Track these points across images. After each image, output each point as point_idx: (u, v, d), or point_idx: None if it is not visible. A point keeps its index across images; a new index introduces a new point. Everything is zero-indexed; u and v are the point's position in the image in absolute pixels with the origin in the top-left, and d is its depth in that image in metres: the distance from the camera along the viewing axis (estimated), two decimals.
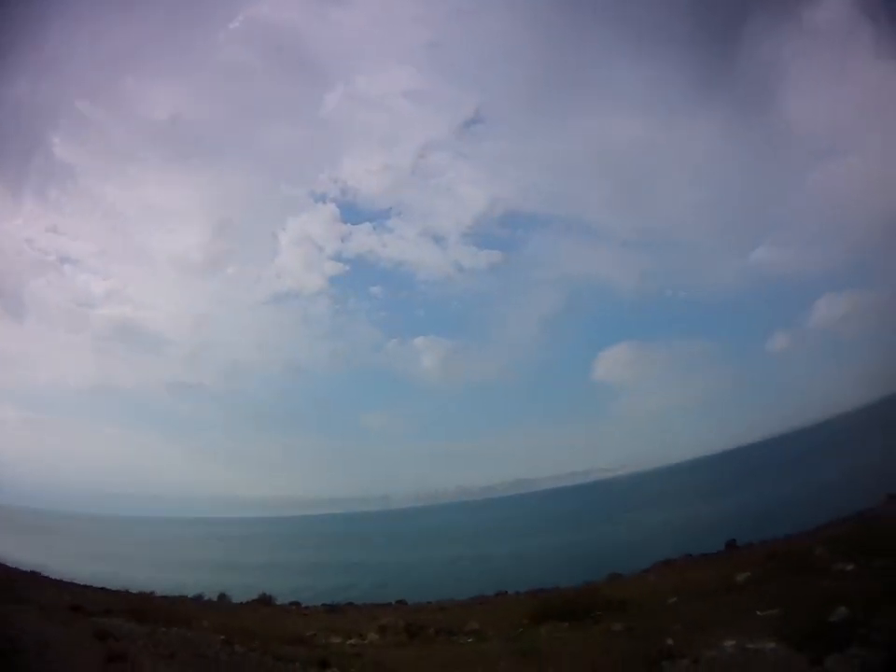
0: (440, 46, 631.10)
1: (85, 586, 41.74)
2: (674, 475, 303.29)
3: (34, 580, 43.04)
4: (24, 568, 47.91)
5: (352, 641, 31.59)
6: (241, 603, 48.23)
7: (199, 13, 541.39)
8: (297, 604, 51.63)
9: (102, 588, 41.77)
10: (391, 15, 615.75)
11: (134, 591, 39.79)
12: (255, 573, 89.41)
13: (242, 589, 53.38)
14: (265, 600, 49.45)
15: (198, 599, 45.84)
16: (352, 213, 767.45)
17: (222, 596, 49.05)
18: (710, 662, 17.12)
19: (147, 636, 21.58)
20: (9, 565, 48.87)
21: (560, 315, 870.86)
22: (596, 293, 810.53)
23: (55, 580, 44.03)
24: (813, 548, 29.53)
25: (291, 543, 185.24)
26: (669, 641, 19.77)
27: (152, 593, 41.68)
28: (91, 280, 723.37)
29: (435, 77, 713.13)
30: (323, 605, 50.96)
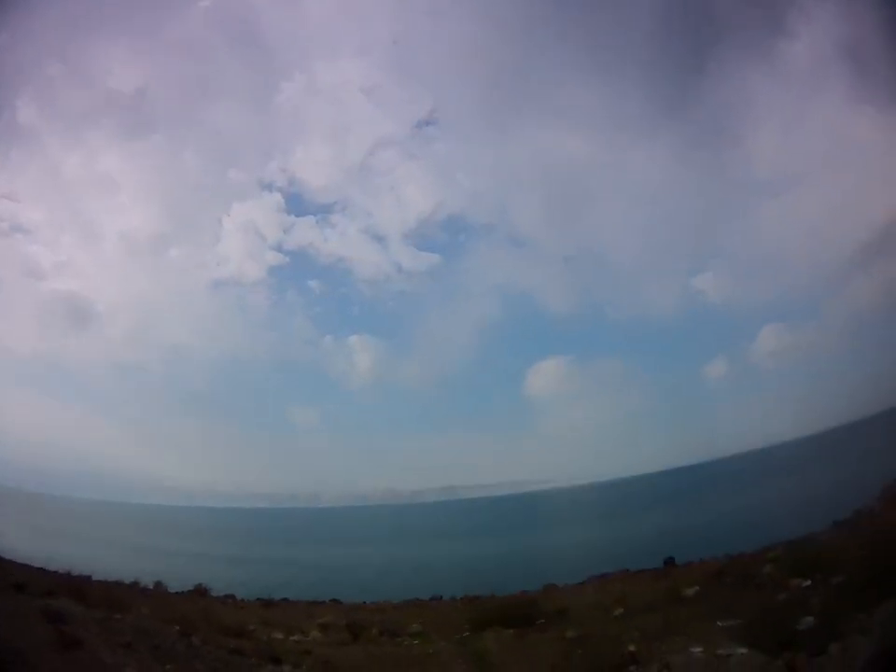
0: (401, 43, 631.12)
1: (23, 565, 40.54)
2: (603, 492, 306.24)
3: None
4: None
5: (294, 638, 31.43)
6: (177, 592, 47.39)
7: None
8: (232, 596, 50.84)
9: (41, 568, 40.57)
10: (356, 7, 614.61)
11: (74, 573, 38.61)
12: (186, 562, 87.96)
13: (173, 577, 52.31)
14: (201, 591, 48.56)
15: (134, 585, 44.73)
16: (297, 204, 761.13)
17: (158, 584, 47.98)
18: (683, 667, 17.31)
19: (100, 622, 20.91)
20: None
21: (495, 325, 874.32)
22: (533, 306, 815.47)
23: None
24: (761, 566, 29.85)
25: (222, 534, 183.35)
26: (631, 648, 20.03)
27: (90, 576, 40.55)
28: (41, 252, 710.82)
29: (393, 74, 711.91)
30: (258, 599, 50.33)
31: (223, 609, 41.38)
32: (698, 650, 18.28)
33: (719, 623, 21.22)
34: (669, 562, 48.80)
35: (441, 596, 52.36)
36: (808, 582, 23.40)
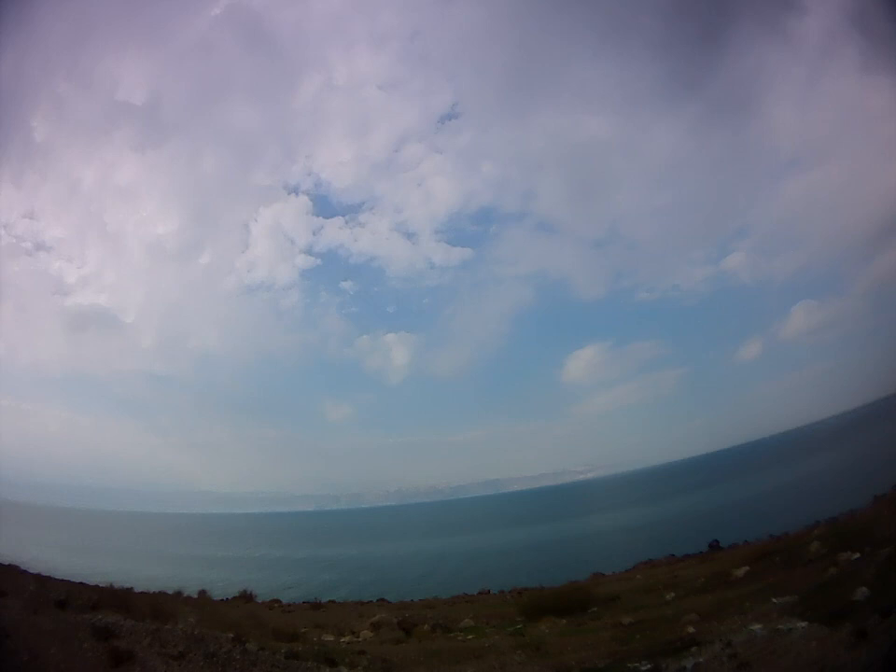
0: (418, 36, 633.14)
1: (64, 580, 40.15)
2: (643, 479, 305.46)
3: (9, 572, 41.53)
4: None
5: (346, 639, 31.20)
6: (222, 599, 47.07)
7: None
8: (278, 601, 50.71)
9: (81, 583, 40.17)
10: (370, 2, 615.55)
11: (116, 586, 38.19)
12: (230, 569, 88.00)
13: (217, 585, 52.12)
14: (246, 596, 48.53)
15: (178, 595, 44.38)
16: (324, 206, 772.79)
17: (202, 592, 47.72)
18: (745, 644, 16.88)
19: (151, 634, 20.18)
20: None
21: (530, 314, 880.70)
22: (566, 292, 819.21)
23: (32, 573, 42.51)
24: (806, 544, 29.23)
25: (265, 540, 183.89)
26: (690, 629, 19.77)
27: (131, 588, 40.13)
28: (65, 267, 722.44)
29: (412, 68, 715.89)
30: (305, 602, 50.14)
31: (270, 613, 41.11)
32: (758, 626, 18.05)
33: (773, 600, 20.94)
34: (714, 545, 49.32)
35: (489, 590, 52.68)
36: (857, 556, 22.94)
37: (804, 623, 17.11)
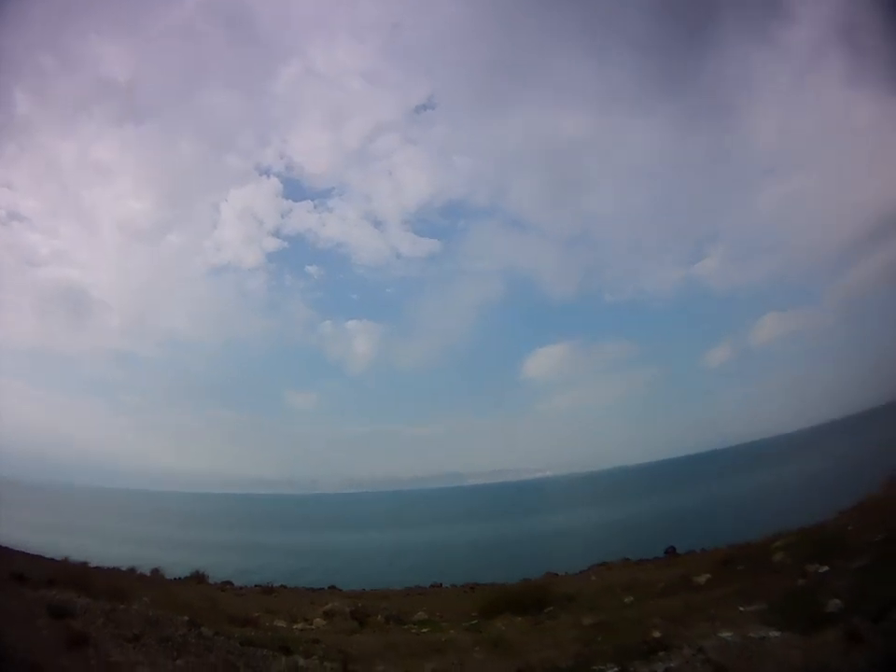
0: (398, 27, 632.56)
1: (21, 552, 39.70)
2: (601, 481, 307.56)
3: None
4: None
5: (299, 626, 30.94)
6: (175, 579, 46.77)
7: None
8: (230, 583, 50.75)
9: (38, 556, 39.77)
10: None
11: (71, 561, 37.77)
12: (184, 549, 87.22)
13: (170, 564, 51.60)
14: (199, 577, 48.22)
15: (131, 572, 43.99)
16: (295, 189, 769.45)
17: (155, 571, 47.32)
18: (718, 650, 16.65)
19: (106, 614, 19.88)
20: None
21: (495, 310, 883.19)
22: (533, 290, 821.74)
23: None
24: (770, 553, 29.21)
25: (219, 520, 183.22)
26: (656, 633, 19.30)
27: (87, 563, 39.70)
28: (38, 239, 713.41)
29: (391, 59, 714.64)
30: (256, 585, 50.02)
31: (223, 596, 40.85)
32: (727, 633, 17.71)
33: (741, 608, 20.58)
34: (670, 551, 49.22)
35: (442, 584, 52.53)
36: (826, 568, 22.60)
37: (776, 633, 17.05)
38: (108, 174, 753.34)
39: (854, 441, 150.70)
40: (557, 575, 47.14)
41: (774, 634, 16.98)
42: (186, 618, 21.32)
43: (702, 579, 28.88)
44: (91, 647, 16.43)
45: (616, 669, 17.00)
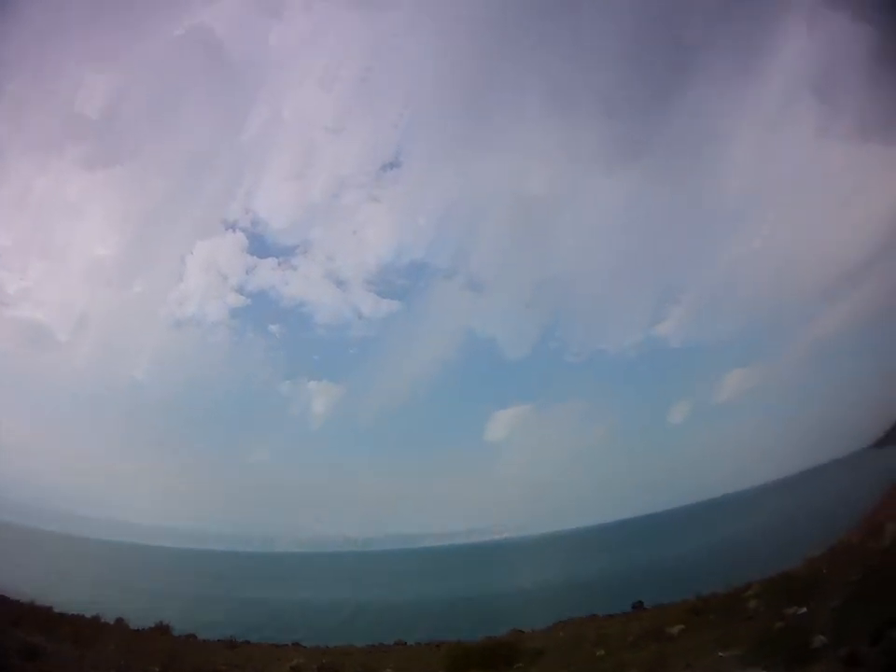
0: (367, 81, 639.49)
1: None
2: (564, 542, 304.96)
3: None
4: None
5: None
6: (138, 630, 45.82)
7: (145, 15, 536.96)
8: (193, 636, 49.41)
9: (2, 595, 38.86)
10: (324, 39, 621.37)
11: (38, 603, 36.96)
12: (142, 599, 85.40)
13: (133, 613, 50.68)
14: (162, 629, 47.19)
15: (96, 620, 43.11)
16: (259, 245, 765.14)
17: (119, 620, 46.45)
18: None
19: (76, 660, 19.30)
20: None
21: (455, 371, 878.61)
22: (493, 351, 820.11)
23: None
24: (743, 601, 29.51)
25: (178, 574, 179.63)
26: None
27: (51, 607, 38.86)
28: (6, 277, 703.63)
29: (359, 112, 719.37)
30: (219, 640, 48.69)
31: (187, 648, 40.03)
32: None
33: (720, 654, 20.79)
34: (638, 605, 48.91)
35: (406, 642, 51.62)
36: (804, 609, 23.08)
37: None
38: (78, 214, 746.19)
39: (820, 489, 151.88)
40: (523, 632, 46.60)
41: None
42: (157, 669, 20.92)
43: (674, 629, 28.96)
44: None
45: None
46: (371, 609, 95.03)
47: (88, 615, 42.90)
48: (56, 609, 39.01)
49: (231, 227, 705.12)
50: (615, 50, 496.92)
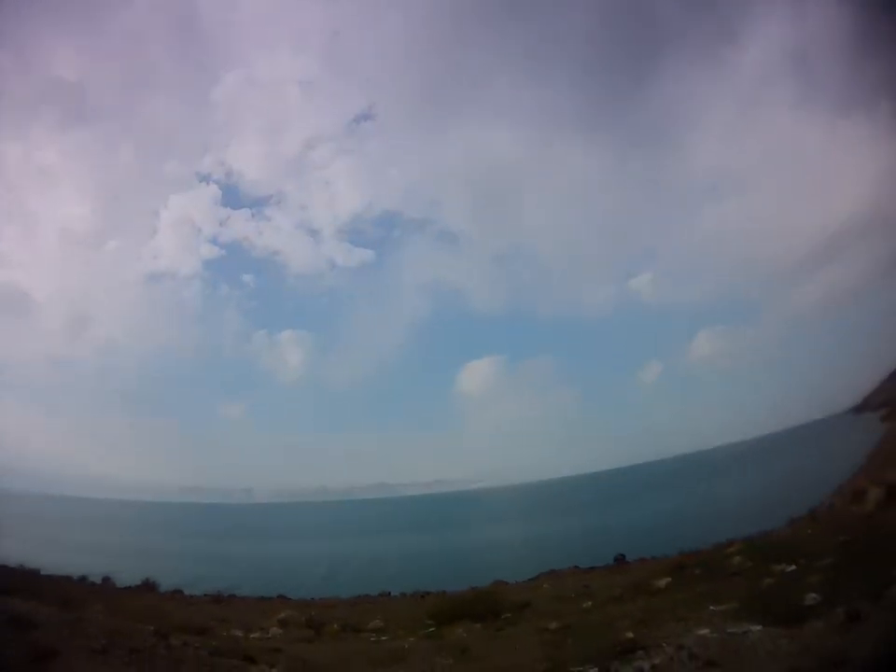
0: (338, 36, 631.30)
1: None
2: (535, 493, 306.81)
3: None
4: None
5: (255, 635, 30.63)
6: (126, 587, 45.95)
7: None
8: (180, 591, 49.77)
9: None
10: (298, 1, 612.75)
11: (24, 568, 36.69)
12: (128, 557, 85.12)
13: (118, 573, 50.66)
14: (149, 586, 47.57)
15: (82, 581, 43.11)
16: (233, 197, 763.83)
17: (106, 579, 46.66)
18: (700, 646, 16.52)
19: (71, 625, 19.08)
20: None
21: (427, 323, 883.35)
22: (465, 304, 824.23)
23: None
24: (727, 558, 29.72)
25: (157, 529, 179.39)
26: (629, 634, 19.23)
27: (38, 570, 38.68)
28: None
29: (330, 68, 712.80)
30: (205, 595, 48.94)
31: (174, 605, 40.10)
32: (705, 631, 17.74)
33: (711, 607, 20.65)
34: (620, 559, 48.92)
35: (391, 593, 51.79)
36: (792, 567, 23.30)
37: (757, 627, 17.03)
38: (51, 177, 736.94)
39: (792, 454, 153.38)
40: (507, 583, 46.98)
41: (755, 628, 17.00)
42: (151, 628, 20.84)
43: (661, 583, 29.01)
44: (59, 661, 15.77)
45: (595, 670, 16.89)
46: (352, 561, 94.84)
47: (75, 577, 43.04)
48: (43, 572, 38.86)
49: (205, 179, 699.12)
50: (593, 17, 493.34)
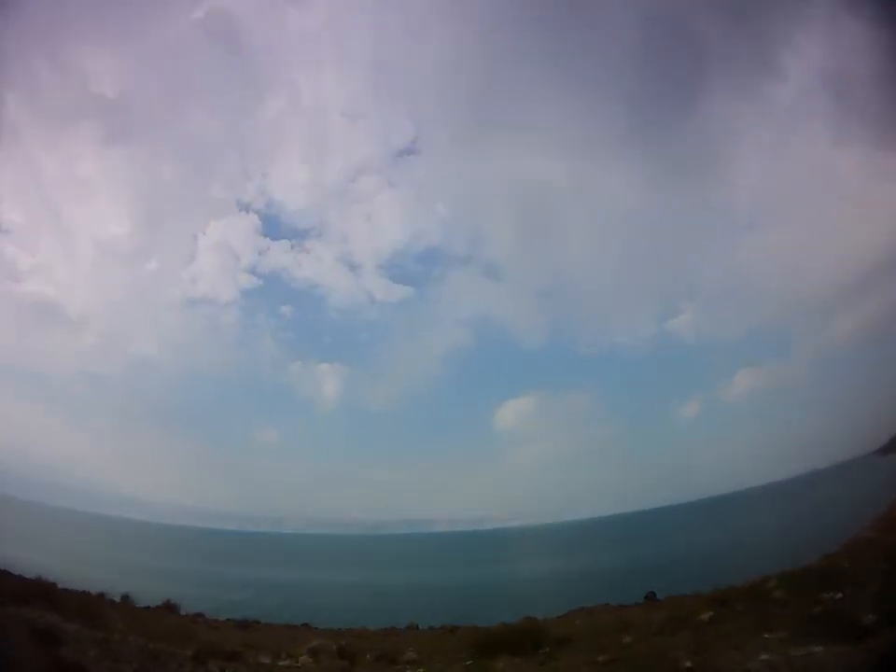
0: (385, 67, 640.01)
1: None
2: (569, 531, 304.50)
3: None
4: None
5: (284, 663, 29.69)
6: (146, 607, 44.65)
7: None
8: (201, 615, 48.29)
9: (5, 571, 37.49)
10: (343, 28, 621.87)
11: (34, 578, 35.53)
12: (148, 577, 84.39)
13: (138, 592, 49.34)
14: (170, 607, 46.19)
15: (101, 597, 41.88)
16: (273, 227, 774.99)
17: (125, 598, 45.26)
18: (768, 668, 16.09)
19: (99, 644, 17.49)
20: None
21: (467, 358, 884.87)
22: (505, 340, 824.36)
23: None
24: (767, 591, 28.08)
25: (183, 552, 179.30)
26: (687, 664, 18.60)
27: (55, 583, 37.46)
28: (19, 254, 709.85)
29: (375, 98, 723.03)
30: (228, 619, 47.92)
31: (197, 627, 38.98)
32: (766, 656, 16.93)
33: (766, 635, 19.73)
34: (650, 596, 47.90)
35: (418, 625, 50.41)
36: (839, 595, 22.48)
37: (820, 648, 16.47)
38: (91, 192, 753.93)
39: (825, 492, 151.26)
40: (536, 619, 45.16)
41: (818, 649, 16.53)
42: (189, 652, 19.39)
43: (705, 616, 27.56)
44: None
45: None
46: (380, 592, 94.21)
47: (93, 591, 41.87)
48: (60, 585, 37.67)
49: (245, 208, 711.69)
50: (634, 45, 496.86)
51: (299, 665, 29.31)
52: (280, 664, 28.72)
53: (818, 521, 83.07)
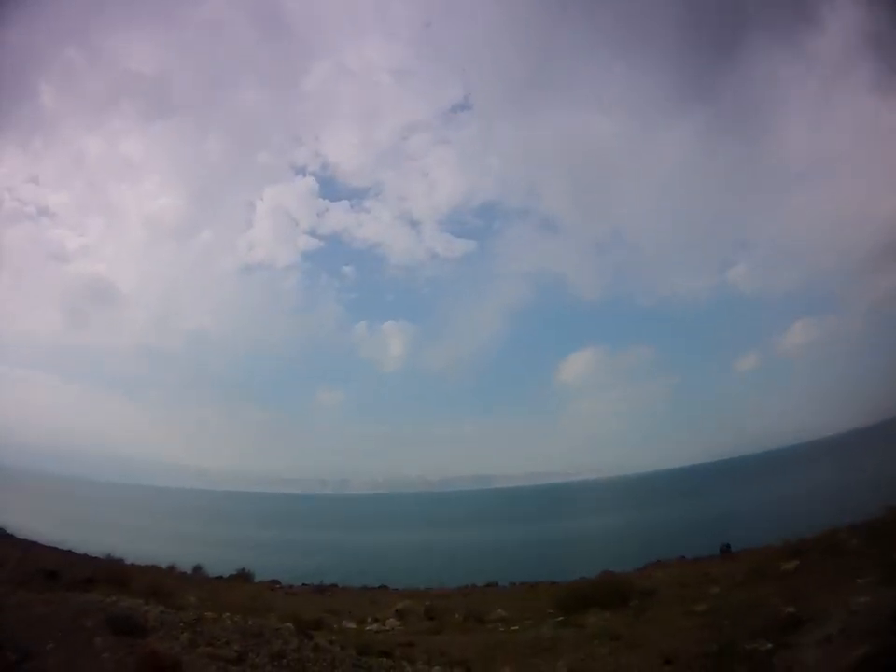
0: (431, 26, 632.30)
1: (49, 547, 36.98)
2: (634, 484, 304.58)
3: None
4: None
5: (372, 627, 29.63)
6: (219, 577, 44.30)
7: None
8: (277, 582, 48.30)
9: (69, 551, 36.94)
10: None
11: (103, 557, 34.93)
12: (219, 547, 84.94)
13: (209, 563, 48.96)
14: (244, 576, 46.43)
15: (171, 570, 41.29)
16: (331, 189, 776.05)
17: (197, 568, 45.00)
18: (874, 608, 15.17)
19: (190, 627, 15.68)
20: None
21: (528, 312, 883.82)
22: (565, 293, 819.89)
23: (18, 538, 38.98)
24: (842, 542, 27.38)
25: (251, 519, 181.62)
26: (790, 609, 17.76)
27: (122, 560, 36.70)
28: (66, 235, 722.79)
29: (423, 58, 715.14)
30: (304, 585, 48.31)
31: (274, 596, 39.20)
32: (865, 598, 16.26)
33: (858, 580, 19.14)
34: (725, 549, 46.63)
35: (497, 583, 49.83)
36: None
37: None
38: (136, 169, 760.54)
39: (884, 448, 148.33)
40: (614, 573, 44.01)
41: None
42: (290, 625, 17.83)
43: (790, 566, 26.90)
44: None
45: (770, 645, 15.58)
46: (453, 551, 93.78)
47: (161, 566, 41.30)
48: (128, 563, 36.92)
49: (301, 171, 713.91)
50: (678, 1, 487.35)
51: (387, 628, 29.12)
52: (367, 628, 28.65)
53: (881, 474, 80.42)
